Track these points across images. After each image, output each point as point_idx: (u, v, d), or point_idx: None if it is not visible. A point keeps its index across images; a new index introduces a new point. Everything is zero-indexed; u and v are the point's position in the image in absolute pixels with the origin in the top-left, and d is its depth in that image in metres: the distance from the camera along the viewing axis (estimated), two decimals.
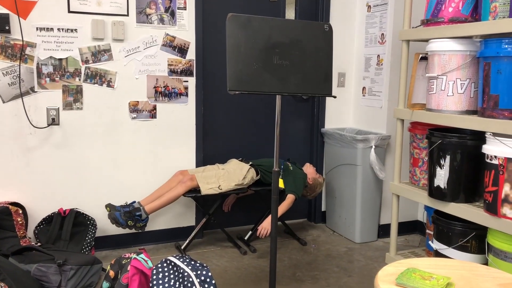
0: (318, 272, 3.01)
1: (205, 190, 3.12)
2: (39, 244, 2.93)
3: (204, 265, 2.16)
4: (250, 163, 3.37)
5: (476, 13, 2.57)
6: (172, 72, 3.32)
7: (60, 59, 3.04)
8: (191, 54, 3.36)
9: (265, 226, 3.09)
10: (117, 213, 2.93)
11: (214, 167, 3.37)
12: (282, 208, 3.14)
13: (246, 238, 3.46)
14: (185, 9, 3.30)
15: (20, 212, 2.93)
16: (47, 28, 2.98)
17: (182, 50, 3.33)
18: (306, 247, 3.45)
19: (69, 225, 3.02)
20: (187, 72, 3.37)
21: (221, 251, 3.34)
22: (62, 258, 2.59)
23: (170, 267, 2.18)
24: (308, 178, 3.45)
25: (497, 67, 2.28)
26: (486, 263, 2.43)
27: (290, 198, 3.23)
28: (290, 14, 3.78)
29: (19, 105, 2.97)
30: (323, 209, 3.99)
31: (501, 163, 2.24)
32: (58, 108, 3.07)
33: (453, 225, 2.58)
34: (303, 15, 3.80)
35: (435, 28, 2.64)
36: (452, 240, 2.58)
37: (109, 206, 2.99)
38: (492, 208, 2.30)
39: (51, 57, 3.01)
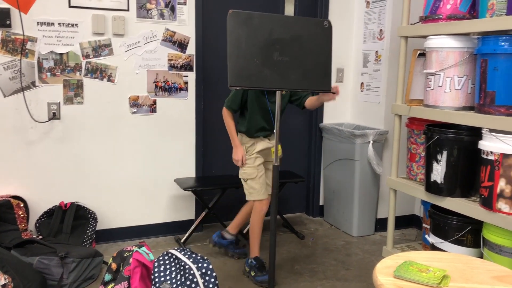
0: (316, 265, 3.06)
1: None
2: (40, 237, 2.96)
3: (205, 258, 2.19)
4: None
5: (474, 10, 2.60)
6: (172, 67, 3.34)
7: (61, 54, 3.05)
8: (191, 49, 3.38)
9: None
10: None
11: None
12: None
13: (244, 231, 3.49)
14: (185, 4, 3.31)
15: (22, 205, 2.96)
16: (48, 23, 2.99)
17: (182, 45, 3.35)
18: (304, 240, 3.49)
19: (70, 219, 3.05)
20: (187, 67, 3.39)
21: None
22: (64, 251, 2.62)
23: (172, 259, 2.21)
24: None
25: (494, 64, 2.31)
26: (481, 256, 2.47)
27: None
28: (289, 9, 3.80)
29: (20, 100, 2.99)
30: (321, 203, 4.03)
31: (497, 158, 2.28)
32: (59, 102, 3.09)
33: (449, 219, 2.62)
34: (303, 10, 3.82)
35: (433, 25, 2.67)
36: (448, 234, 2.62)
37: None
38: (488, 203, 2.34)
39: (52, 51, 3.03)
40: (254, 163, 2.84)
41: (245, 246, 3.33)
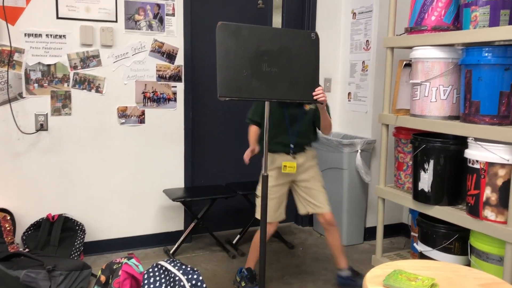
0: (306, 275, 3.06)
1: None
2: (27, 250, 2.93)
3: (195, 269, 2.19)
4: None
5: (457, 22, 2.65)
6: (160, 77, 3.35)
7: (49, 65, 3.04)
8: (180, 60, 3.39)
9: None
10: None
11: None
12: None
13: (234, 242, 3.49)
14: (174, 16, 3.33)
15: (8, 218, 2.92)
16: (35, 34, 2.98)
17: (170, 56, 3.36)
18: (294, 250, 3.50)
19: (57, 231, 3.02)
20: (175, 77, 3.39)
21: (210, 255, 3.37)
22: (52, 264, 2.59)
23: (161, 271, 2.20)
24: None
25: (478, 75, 2.35)
26: (468, 264, 2.50)
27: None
28: (277, 20, 3.84)
29: (7, 111, 2.96)
30: None
31: (482, 167, 2.32)
32: (47, 113, 3.07)
33: (437, 227, 2.65)
34: (290, 21, 3.86)
35: (418, 36, 2.71)
36: (436, 242, 2.65)
37: None
38: (474, 211, 2.38)
39: (39, 63, 3.01)
40: (270, 183, 2.50)
41: (230, 252, 3.32)
